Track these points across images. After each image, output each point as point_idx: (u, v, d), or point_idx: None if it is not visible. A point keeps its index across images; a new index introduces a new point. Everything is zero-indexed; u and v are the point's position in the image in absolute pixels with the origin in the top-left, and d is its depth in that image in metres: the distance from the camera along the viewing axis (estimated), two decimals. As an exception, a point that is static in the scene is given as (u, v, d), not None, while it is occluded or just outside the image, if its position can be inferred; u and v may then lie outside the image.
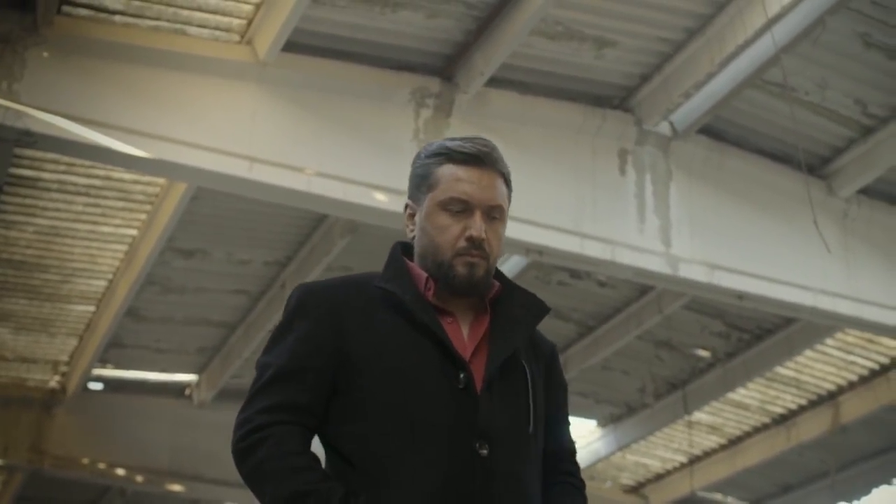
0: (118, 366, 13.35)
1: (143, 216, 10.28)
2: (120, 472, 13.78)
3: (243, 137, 8.00)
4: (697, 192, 9.35)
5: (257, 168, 7.97)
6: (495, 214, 2.96)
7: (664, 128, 9.30)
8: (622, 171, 9.11)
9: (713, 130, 9.51)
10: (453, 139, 3.01)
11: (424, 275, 2.95)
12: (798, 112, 9.15)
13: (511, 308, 2.99)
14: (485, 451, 2.77)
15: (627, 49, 8.73)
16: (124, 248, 10.81)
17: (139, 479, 13.86)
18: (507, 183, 3.01)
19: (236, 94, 8.09)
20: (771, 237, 9.45)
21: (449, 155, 2.97)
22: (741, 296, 9.38)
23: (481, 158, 2.96)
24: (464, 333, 2.94)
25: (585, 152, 9.03)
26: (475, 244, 2.91)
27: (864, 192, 9.96)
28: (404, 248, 3.07)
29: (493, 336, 2.93)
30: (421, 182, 2.99)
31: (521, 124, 8.83)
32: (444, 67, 8.59)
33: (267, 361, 2.92)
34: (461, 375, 2.83)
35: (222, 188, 8.38)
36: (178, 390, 13.95)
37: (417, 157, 3.05)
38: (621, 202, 9.03)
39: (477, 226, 2.91)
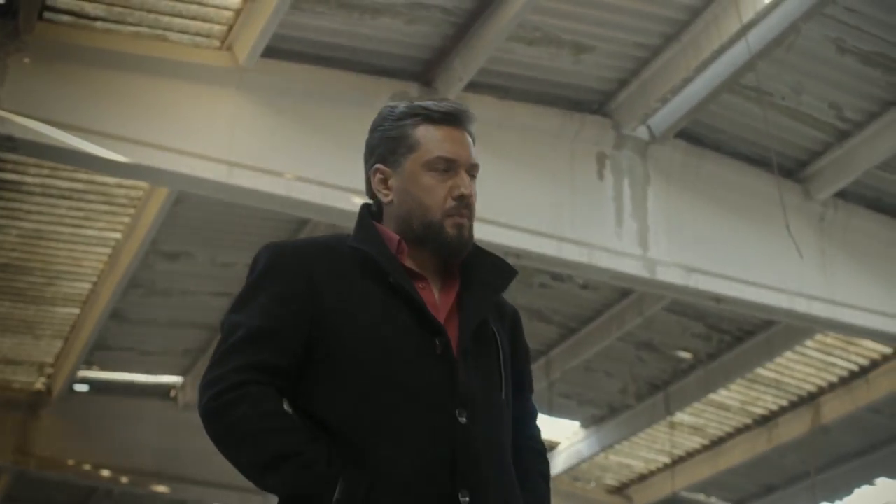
0: (103, 368, 13.40)
1: (127, 219, 10.34)
2: (105, 473, 13.83)
3: (223, 142, 8.08)
4: (675, 195, 9.44)
5: (237, 172, 8.05)
6: (474, 173, 2.94)
7: (642, 132, 9.39)
8: (600, 176, 9.20)
9: (691, 135, 9.60)
10: (421, 101, 2.96)
11: (396, 237, 2.90)
12: (774, 116, 9.27)
13: (480, 272, 2.95)
14: (464, 419, 2.73)
15: (605, 54, 8.82)
16: (108, 250, 10.87)
17: (124, 480, 13.91)
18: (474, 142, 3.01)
19: (216, 99, 8.17)
20: (748, 240, 9.54)
21: (426, 115, 2.93)
22: (718, 299, 9.48)
23: (459, 117, 2.95)
24: (435, 297, 2.89)
25: (564, 157, 9.12)
26: (464, 202, 2.89)
27: (841, 195, 10.06)
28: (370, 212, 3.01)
29: (464, 301, 2.89)
30: (397, 144, 2.92)
31: (499, 129, 8.90)
32: (424, 72, 8.68)
33: (237, 321, 2.81)
34: (438, 341, 2.78)
35: (202, 192, 8.46)
36: (163, 392, 14.01)
37: (384, 119, 2.97)
38: (599, 206, 9.11)
39: (466, 183, 2.90)
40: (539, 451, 3.07)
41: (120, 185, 9.88)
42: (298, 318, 2.78)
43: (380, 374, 2.73)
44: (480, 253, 2.98)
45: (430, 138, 2.90)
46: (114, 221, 10.43)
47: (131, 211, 10.23)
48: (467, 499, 2.66)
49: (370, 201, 3.03)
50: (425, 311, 2.81)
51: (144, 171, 8.05)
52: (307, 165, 8.24)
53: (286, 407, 2.79)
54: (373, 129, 2.98)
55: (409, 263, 2.89)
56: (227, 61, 8.18)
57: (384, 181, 2.93)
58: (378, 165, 2.94)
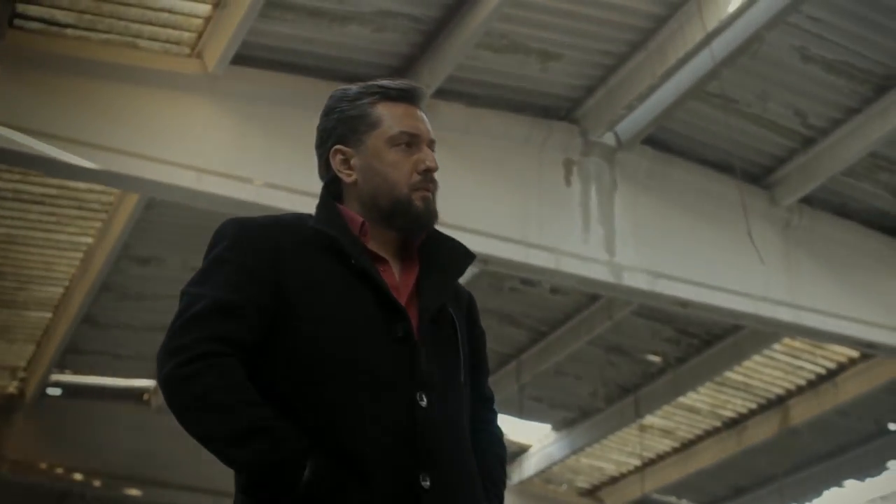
0: (76, 371, 13.42)
1: (98, 224, 10.39)
2: (78, 476, 13.84)
3: (192, 149, 8.14)
4: (642, 201, 9.53)
5: (206, 179, 8.11)
6: (433, 148, 2.96)
7: (609, 139, 9.48)
8: (568, 182, 9.29)
9: (657, 141, 9.70)
10: (376, 81, 2.97)
11: (360, 219, 2.89)
12: (740, 123, 9.38)
13: (439, 256, 2.95)
14: (424, 402, 2.72)
15: (572, 62, 8.92)
16: (80, 255, 10.92)
17: (97, 483, 13.92)
18: None
19: (186, 106, 8.24)
20: (714, 246, 9.65)
21: (384, 93, 2.94)
22: (684, 303, 9.59)
23: (415, 94, 2.98)
24: (396, 280, 2.88)
25: (532, 163, 9.20)
26: (429, 175, 2.90)
27: (807, 201, 10.18)
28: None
29: (424, 284, 2.89)
30: (358, 123, 2.92)
31: (468, 135, 8.99)
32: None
33: (200, 292, 2.76)
34: (399, 324, 2.77)
35: (171, 199, 8.52)
36: (136, 396, 14.04)
37: (339, 101, 2.98)
38: (566, 212, 9.20)
39: (431, 157, 2.91)
40: (495, 435, 3.06)
41: (91, 191, 9.92)
42: (262, 293, 2.75)
43: (341, 355, 2.72)
44: (439, 236, 2.99)
45: (391, 115, 2.92)
46: (85, 226, 10.48)
47: (103, 216, 10.27)
48: (428, 481, 2.66)
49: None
50: (387, 293, 2.80)
51: (114, 178, 8.11)
52: (276, 172, 8.30)
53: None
54: (327, 113, 2.99)
55: (371, 245, 2.89)
56: (196, 68, 8.24)
57: (345, 161, 2.93)
58: (338, 146, 2.93)
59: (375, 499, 2.62)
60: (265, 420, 2.62)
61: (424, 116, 2.97)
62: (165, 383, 2.68)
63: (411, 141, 2.91)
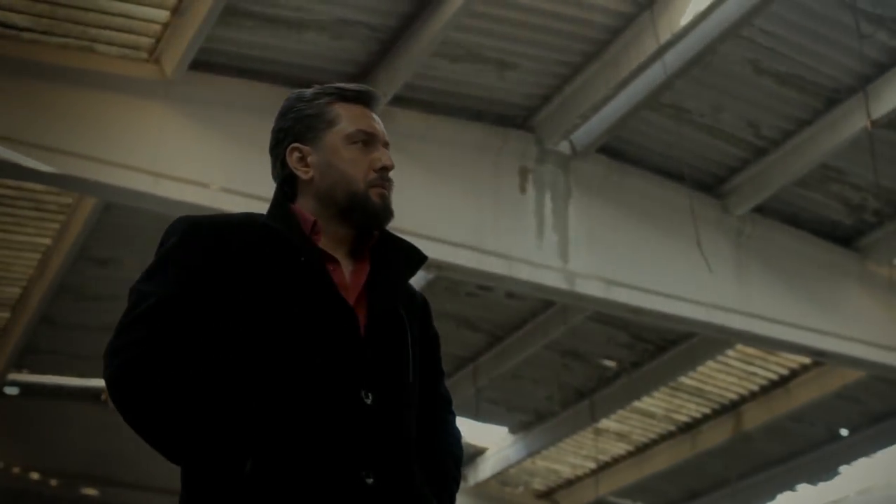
0: (34, 371, 13.42)
1: (56, 225, 10.40)
2: (35, 476, 13.85)
3: (150, 153, 8.18)
4: (596, 209, 9.64)
5: (163, 183, 8.16)
6: (388, 149, 3.00)
7: (564, 147, 9.59)
8: (522, 189, 9.38)
9: (612, 150, 9.81)
10: (332, 84, 3.04)
11: (312, 219, 2.92)
12: (693, 133, 9.52)
13: (390, 257, 2.98)
14: (369, 400, 2.74)
15: (528, 71, 9.02)
16: (38, 256, 10.92)
17: (54, 483, 13.93)
18: None
19: (143, 111, 8.28)
20: (667, 254, 9.76)
21: (340, 94, 3.00)
22: (637, 310, 9.69)
23: (371, 96, 3.03)
24: (346, 279, 2.90)
25: (487, 170, 9.29)
26: (385, 174, 2.94)
27: (759, 210, 10.30)
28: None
29: (374, 284, 2.91)
30: (315, 121, 2.97)
31: (424, 142, 9.06)
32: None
33: (147, 290, 2.79)
34: (348, 323, 2.80)
35: (128, 203, 8.55)
36: (93, 395, 14.03)
37: (296, 101, 3.03)
38: (521, 219, 9.29)
39: (387, 156, 2.96)
40: (453, 436, 3.10)
41: (49, 192, 9.92)
42: (208, 291, 2.77)
43: (287, 352, 2.73)
44: (392, 238, 3.02)
45: (348, 114, 2.97)
46: (43, 227, 10.48)
47: (61, 217, 10.28)
48: (371, 479, 2.69)
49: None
50: (335, 292, 2.83)
51: (71, 181, 8.15)
52: (233, 177, 8.35)
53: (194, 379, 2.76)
54: (283, 115, 3.03)
55: (322, 244, 2.91)
56: (154, 74, 8.29)
57: (302, 159, 2.96)
58: (295, 144, 2.97)
59: (318, 494, 2.66)
60: (206, 417, 2.66)
61: (379, 119, 3.03)
62: (109, 382, 2.72)
63: (368, 140, 2.96)
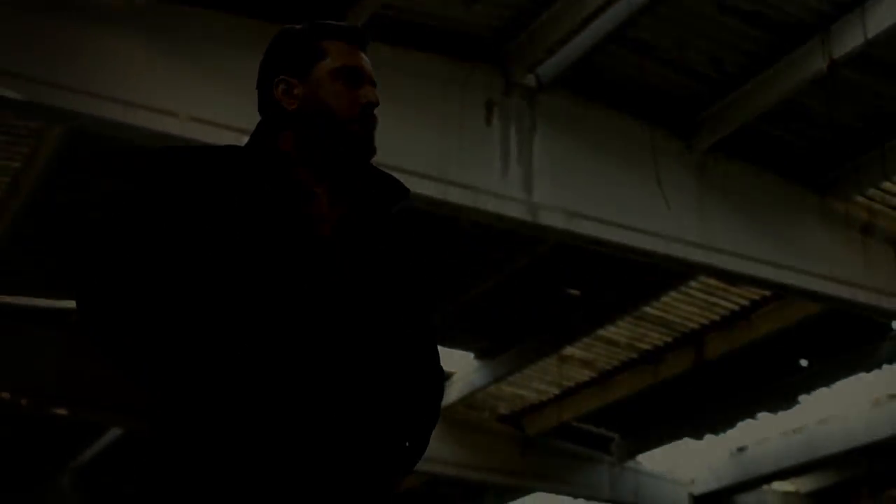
0: (3, 292, 13.48)
1: (26, 150, 10.46)
2: (5, 395, 13.98)
3: (119, 81, 8.23)
4: (561, 143, 9.75)
5: (132, 112, 8.22)
6: (374, 88, 3.03)
7: (531, 80, 9.68)
8: (488, 122, 9.48)
9: (577, 84, 9.90)
10: (323, 21, 3.08)
11: (293, 150, 2.96)
12: (658, 69, 9.62)
13: (371, 190, 3.03)
14: (349, 333, 2.81)
15: (495, 3, 9.10)
16: (7, 179, 10.99)
17: (24, 402, 14.07)
18: None
19: (113, 39, 8.31)
20: (629, 188, 9.89)
21: (330, 31, 3.04)
22: (598, 242, 9.84)
23: (360, 34, 3.08)
24: (325, 211, 2.94)
25: (453, 102, 9.38)
26: (370, 111, 2.98)
27: (721, 146, 10.42)
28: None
29: (353, 216, 2.96)
30: (303, 54, 3.00)
31: (392, 75, 9.06)
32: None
33: (120, 231, 2.86)
34: (322, 254, 2.84)
35: (98, 131, 8.60)
36: (63, 315, 14.10)
37: (286, 36, 3.07)
38: (486, 151, 9.40)
39: (373, 93, 2.99)
40: (437, 369, 3.18)
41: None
42: (184, 226, 2.82)
43: (259, 284, 2.77)
44: (374, 171, 3.07)
45: (336, 50, 3.00)
46: (13, 151, 10.54)
47: (30, 141, 10.33)
48: (343, 415, 2.76)
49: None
50: (311, 223, 2.88)
51: (38, 110, 8.20)
52: (202, 106, 8.40)
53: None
54: (271, 48, 3.07)
55: (303, 177, 2.94)
56: (123, 2, 8.33)
57: (288, 91, 2.99)
58: (283, 76, 3.00)
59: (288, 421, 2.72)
60: (189, 346, 2.75)
61: (367, 59, 3.06)
62: (83, 323, 2.80)
63: (354, 76, 2.99)
